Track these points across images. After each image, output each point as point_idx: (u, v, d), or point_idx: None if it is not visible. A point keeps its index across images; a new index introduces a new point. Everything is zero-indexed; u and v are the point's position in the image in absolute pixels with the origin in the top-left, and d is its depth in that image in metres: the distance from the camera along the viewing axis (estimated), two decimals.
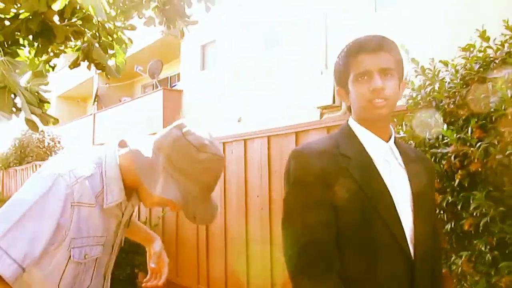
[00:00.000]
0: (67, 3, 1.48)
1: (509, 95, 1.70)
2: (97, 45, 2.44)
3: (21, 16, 1.78)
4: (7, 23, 1.75)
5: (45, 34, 1.74)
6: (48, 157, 15.28)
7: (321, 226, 1.23)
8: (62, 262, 1.20)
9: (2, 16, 1.74)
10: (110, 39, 2.58)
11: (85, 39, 2.36)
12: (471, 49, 2.06)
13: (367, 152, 1.30)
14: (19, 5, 1.65)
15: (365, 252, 1.25)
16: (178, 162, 1.22)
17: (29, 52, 2.22)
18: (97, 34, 2.51)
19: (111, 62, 2.55)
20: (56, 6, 1.47)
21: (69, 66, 2.55)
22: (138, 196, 1.37)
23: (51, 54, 2.30)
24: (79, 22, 1.88)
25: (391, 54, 1.27)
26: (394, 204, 1.25)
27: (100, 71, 2.57)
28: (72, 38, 1.91)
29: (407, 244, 1.25)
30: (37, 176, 1.19)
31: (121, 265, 5.11)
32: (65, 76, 14.55)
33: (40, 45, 1.85)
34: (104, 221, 1.28)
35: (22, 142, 14.96)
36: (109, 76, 2.59)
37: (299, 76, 8.85)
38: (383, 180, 1.27)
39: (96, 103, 17.05)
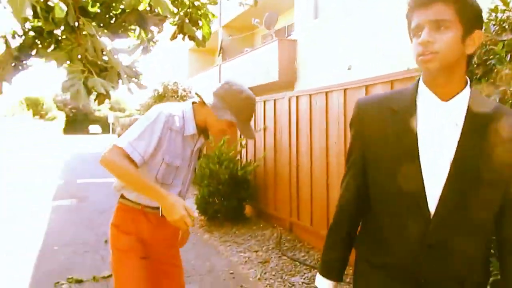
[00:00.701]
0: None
1: (508, 58, 1.91)
2: (187, 20, 3.12)
3: (126, 10, 2.54)
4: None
5: (140, 23, 2.48)
6: None
7: (352, 168, 1.42)
8: (159, 162, 1.96)
9: (115, 12, 2.52)
10: (199, 13, 3.23)
11: (178, 17, 3.06)
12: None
13: (415, 109, 1.27)
14: (124, 3, 2.39)
15: (391, 199, 1.30)
16: (230, 101, 1.99)
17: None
18: (189, 11, 3.18)
19: (199, 34, 3.22)
20: (141, 6, 2.13)
21: (170, 39, 3.30)
22: (205, 135, 2.14)
23: (155, 32, 3.06)
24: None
25: (449, 5, 1.18)
26: (419, 162, 1.23)
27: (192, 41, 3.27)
28: (158, 25, 2.63)
29: (426, 200, 1.23)
30: (149, 112, 1.98)
31: (230, 198, 6.12)
32: None
33: (140, 30, 2.62)
34: (182, 145, 2.03)
35: (159, 92, 17.06)
36: (200, 46, 3.28)
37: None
38: (416, 138, 1.24)
39: (220, 54, 18.32)
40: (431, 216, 1.23)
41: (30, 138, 21.63)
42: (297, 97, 5.26)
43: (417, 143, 1.24)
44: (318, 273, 1.51)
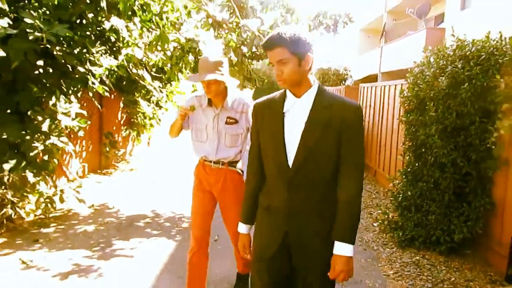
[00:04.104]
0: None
1: None
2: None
3: None
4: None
5: None
6: (340, 83, 19.22)
7: (253, 146, 1.98)
8: (191, 128, 2.83)
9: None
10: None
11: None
12: None
13: (283, 104, 1.82)
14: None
15: (270, 163, 1.87)
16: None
17: None
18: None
19: None
20: None
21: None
22: (222, 104, 2.76)
23: None
24: None
25: (285, 47, 1.66)
26: (284, 136, 1.78)
27: None
28: None
29: (287, 161, 1.77)
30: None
31: None
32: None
33: None
34: (204, 115, 2.77)
35: (323, 71, 19.60)
36: None
37: None
38: (282, 122, 1.80)
39: (383, 37, 19.72)
40: (290, 168, 1.77)
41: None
42: (383, 86, 7.70)
43: (283, 125, 1.81)
44: (240, 223, 2.04)
